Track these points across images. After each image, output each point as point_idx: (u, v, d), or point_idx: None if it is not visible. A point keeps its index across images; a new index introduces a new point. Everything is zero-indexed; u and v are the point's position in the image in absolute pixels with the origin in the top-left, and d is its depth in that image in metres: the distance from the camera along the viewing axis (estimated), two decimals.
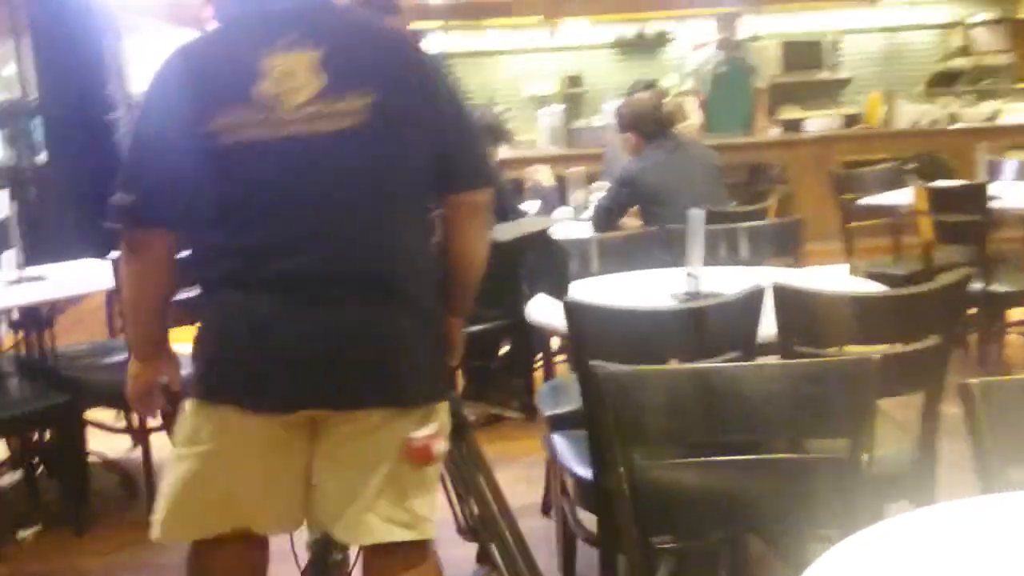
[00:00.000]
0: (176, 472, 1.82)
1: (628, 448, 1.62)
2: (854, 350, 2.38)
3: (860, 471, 1.60)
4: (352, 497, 1.76)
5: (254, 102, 1.69)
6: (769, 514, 1.67)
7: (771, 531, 1.88)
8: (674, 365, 2.15)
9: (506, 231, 2.10)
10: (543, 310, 2.59)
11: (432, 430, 1.76)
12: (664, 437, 1.65)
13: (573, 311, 2.22)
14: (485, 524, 2.32)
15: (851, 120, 7.81)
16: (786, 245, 3.60)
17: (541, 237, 2.20)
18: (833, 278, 3.09)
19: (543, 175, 4.30)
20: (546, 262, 2.19)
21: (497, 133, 4.18)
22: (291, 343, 1.69)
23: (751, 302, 2.37)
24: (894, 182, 5.24)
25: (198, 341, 1.79)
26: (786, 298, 2.30)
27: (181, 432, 1.82)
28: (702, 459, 1.65)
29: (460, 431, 2.40)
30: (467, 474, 2.30)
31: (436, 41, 8.36)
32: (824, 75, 8.52)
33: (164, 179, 1.74)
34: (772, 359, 2.46)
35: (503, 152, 4.72)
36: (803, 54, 8.55)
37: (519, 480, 3.62)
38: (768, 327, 2.38)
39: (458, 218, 1.87)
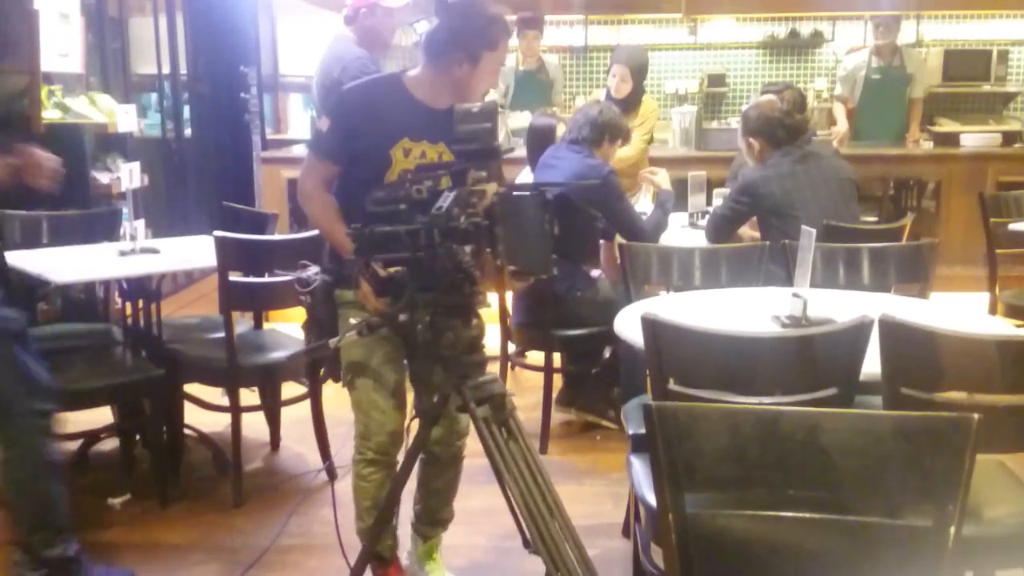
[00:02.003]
0: None
1: (679, 493, 1.46)
2: (981, 399, 2.13)
3: (944, 546, 1.39)
4: None
5: None
6: None
7: None
8: (741, 402, 1.95)
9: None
10: (629, 324, 2.43)
11: None
12: (720, 484, 1.47)
13: (651, 328, 2.05)
14: (544, 541, 2.17)
15: (1011, 137, 7.24)
16: (916, 269, 3.30)
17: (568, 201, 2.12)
18: (959, 312, 2.80)
19: (660, 178, 4.09)
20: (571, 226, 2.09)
21: (615, 131, 3.99)
22: None
23: (857, 335, 2.14)
24: None
25: None
26: (893, 333, 2.07)
27: None
28: (764, 512, 1.47)
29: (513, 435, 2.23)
30: (523, 486, 2.14)
31: (576, 35, 8.24)
32: (988, 87, 7.98)
33: None
34: (874, 400, 2.24)
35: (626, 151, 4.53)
36: (967, 64, 8.06)
37: (605, 497, 3.46)
38: (876, 363, 2.15)
39: None
